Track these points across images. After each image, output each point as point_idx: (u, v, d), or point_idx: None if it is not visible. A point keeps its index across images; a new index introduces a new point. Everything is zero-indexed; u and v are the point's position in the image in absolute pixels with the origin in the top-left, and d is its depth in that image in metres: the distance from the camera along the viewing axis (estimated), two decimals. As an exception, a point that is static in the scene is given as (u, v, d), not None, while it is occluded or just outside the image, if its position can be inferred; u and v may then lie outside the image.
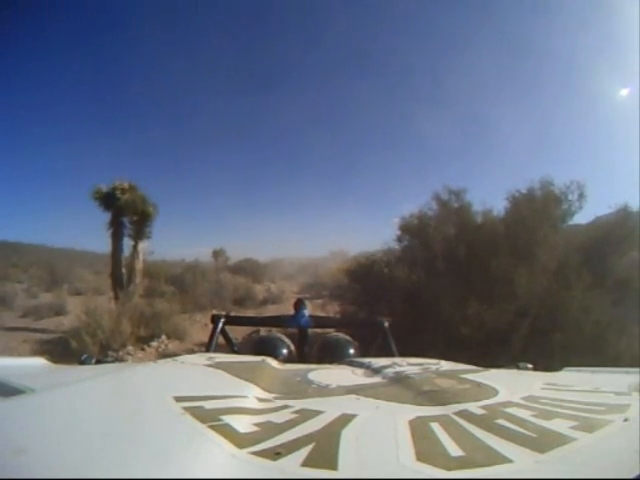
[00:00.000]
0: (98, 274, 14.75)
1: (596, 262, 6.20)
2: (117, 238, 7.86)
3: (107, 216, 7.87)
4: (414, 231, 5.51)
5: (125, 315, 6.25)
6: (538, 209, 5.84)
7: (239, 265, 14.93)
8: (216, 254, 14.52)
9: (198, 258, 13.33)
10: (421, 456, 0.35)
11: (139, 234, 7.96)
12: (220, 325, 1.36)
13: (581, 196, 7.07)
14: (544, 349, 4.38)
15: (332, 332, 1.50)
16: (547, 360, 4.31)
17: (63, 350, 5.89)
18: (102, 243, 8.75)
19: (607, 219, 7.52)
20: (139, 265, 7.92)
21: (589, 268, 5.77)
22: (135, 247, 7.97)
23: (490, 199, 6.10)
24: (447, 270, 4.46)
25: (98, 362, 0.91)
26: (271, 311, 8.81)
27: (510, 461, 0.34)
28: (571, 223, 7.07)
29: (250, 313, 8.22)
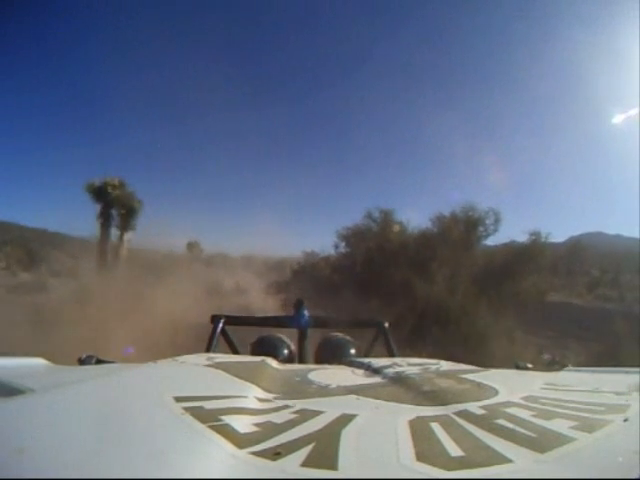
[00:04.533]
0: (73, 257, 15.39)
1: (497, 278, 8.09)
2: (105, 228, 9.12)
3: (88, 202, 9.01)
4: (347, 240, 7.21)
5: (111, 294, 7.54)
6: (448, 229, 7.66)
7: (212, 259, 16.06)
8: (190, 246, 15.47)
9: (172, 250, 14.33)
10: (421, 456, 0.35)
11: (126, 226, 9.24)
12: (220, 325, 1.34)
13: (497, 220, 9.02)
14: (425, 338, 6.10)
15: (332, 332, 1.51)
16: (422, 345, 6.01)
17: (55, 317, 6.98)
18: (77, 227, 9.78)
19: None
20: (124, 252, 9.20)
21: (484, 283, 7.62)
22: (121, 237, 9.26)
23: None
24: (362, 273, 6.10)
25: (98, 362, 0.91)
26: (238, 301, 10.04)
27: (510, 461, 0.35)
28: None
29: (218, 302, 9.08)
